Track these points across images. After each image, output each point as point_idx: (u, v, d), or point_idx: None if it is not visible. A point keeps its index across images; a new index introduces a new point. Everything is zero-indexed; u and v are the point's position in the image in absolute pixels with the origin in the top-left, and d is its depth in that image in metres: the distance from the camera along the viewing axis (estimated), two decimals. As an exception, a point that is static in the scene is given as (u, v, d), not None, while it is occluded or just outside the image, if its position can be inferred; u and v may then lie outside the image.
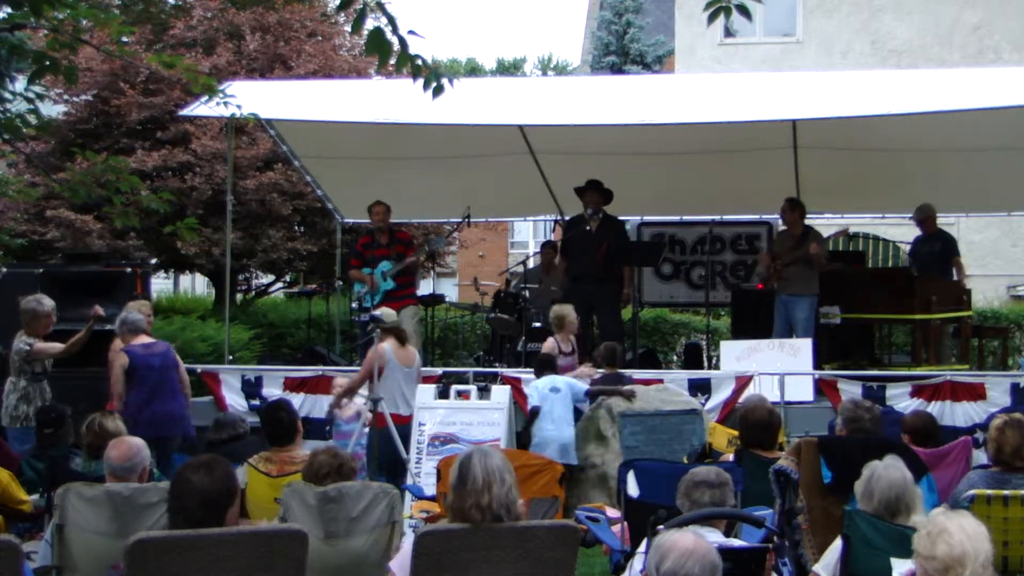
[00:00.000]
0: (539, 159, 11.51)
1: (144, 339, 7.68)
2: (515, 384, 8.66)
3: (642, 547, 4.03)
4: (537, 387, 7.88)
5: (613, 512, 5.94)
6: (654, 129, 9.75)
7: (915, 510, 4.17)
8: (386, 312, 8.01)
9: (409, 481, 7.22)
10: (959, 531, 3.28)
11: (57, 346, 7.83)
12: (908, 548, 3.47)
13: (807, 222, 10.45)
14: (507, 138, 10.87)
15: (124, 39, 9.71)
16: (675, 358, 14.79)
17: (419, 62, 4.79)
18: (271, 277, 17.81)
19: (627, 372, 8.70)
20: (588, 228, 10.30)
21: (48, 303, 7.88)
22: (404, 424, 7.66)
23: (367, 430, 7.59)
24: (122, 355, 7.53)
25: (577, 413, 8.07)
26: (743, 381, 8.83)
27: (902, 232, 13.42)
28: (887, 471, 4.25)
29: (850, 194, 11.55)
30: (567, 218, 11.58)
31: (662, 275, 12.89)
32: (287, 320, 15.11)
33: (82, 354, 8.06)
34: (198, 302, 17.10)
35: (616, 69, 27.76)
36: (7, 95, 8.54)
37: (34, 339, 7.78)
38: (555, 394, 7.75)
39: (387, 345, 7.74)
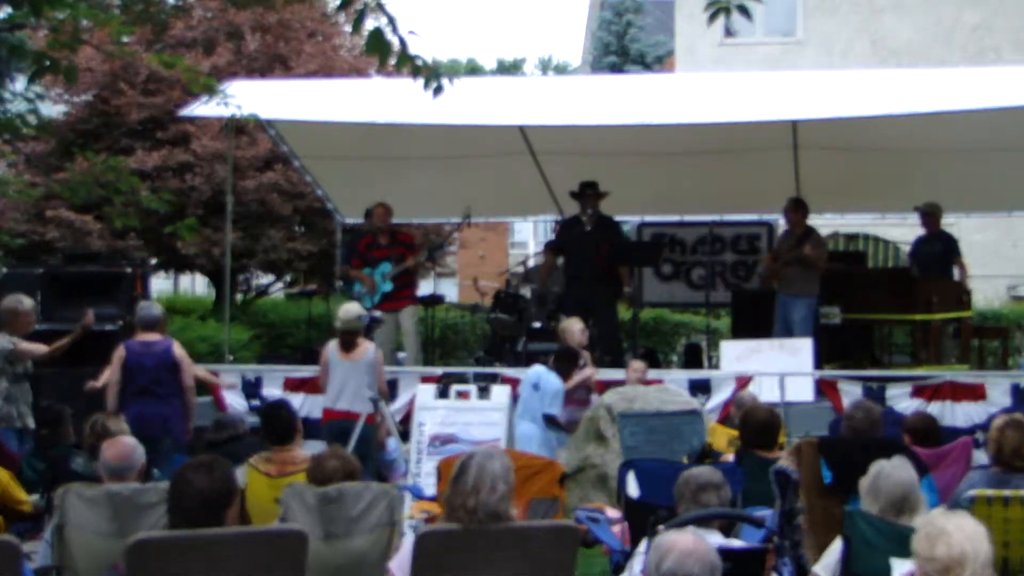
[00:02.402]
0: (539, 159, 11.50)
1: (151, 336, 7.65)
2: (515, 384, 8.64)
3: (642, 547, 4.03)
4: (526, 376, 8.04)
5: (613, 512, 5.92)
6: (654, 129, 9.73)
7: (919, 511, 4.17)
8: (342, 309, 8.16)
9: (409, 481, 7.22)
10: (958, 531, 3.27)
11: (41, 348, 7.63)
12: (908, 548, 3.47)
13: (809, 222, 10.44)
14: (507, 138, 10.85)
15: (124, 39, 9.72)
16: (675, 358, 14.77)
17: (419, 62, 4.80)
18: (271, 277, 17.80)
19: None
20: (587, 229, 10.29)
21: (28, 302, 7.68)
22: (349, 420, 7.64)
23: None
24: (121, 348, 7.58)
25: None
26: (743, 381, 8.82)
27: (902, 232, 13.40)
28: (895, 470, 4.25)
29: (850, 194, 11.53)
30: (562, 218, 11.58)
31: (662, 275, 12.87)
32: (287, 320, 15.09)
33: (81, 354, 8.02)
34: (198, 302, 17.10)
35: (616, 69, 27.71)
36: (7, 95, 8.54)
37: (16, 338, 7.51)
38: (532, 391, 7.86)
39: (329, 346, 8.01)
